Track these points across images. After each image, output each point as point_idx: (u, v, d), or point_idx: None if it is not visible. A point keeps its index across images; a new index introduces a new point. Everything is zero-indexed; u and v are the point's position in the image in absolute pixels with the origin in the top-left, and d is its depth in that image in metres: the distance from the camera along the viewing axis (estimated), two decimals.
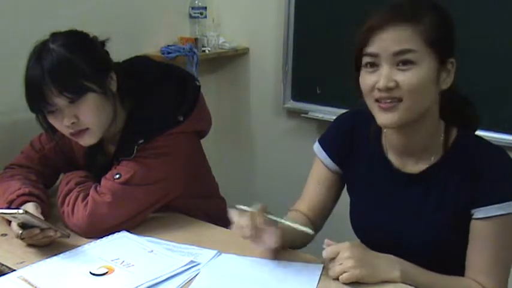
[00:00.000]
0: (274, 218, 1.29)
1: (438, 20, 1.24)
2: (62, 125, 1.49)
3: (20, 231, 1.38)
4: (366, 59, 1.25)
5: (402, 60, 1.21)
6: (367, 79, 1.26)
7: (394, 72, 1.22)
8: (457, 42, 1.28)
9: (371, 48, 1.23)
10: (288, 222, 1.30)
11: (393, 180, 1.38)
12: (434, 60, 1.23)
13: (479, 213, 1.28)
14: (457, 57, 1.27)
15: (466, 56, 1.31)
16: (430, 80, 1.23)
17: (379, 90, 1.23)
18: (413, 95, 1.22)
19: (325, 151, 1.49)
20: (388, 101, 1.23)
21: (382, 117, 1.26)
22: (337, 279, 1.26)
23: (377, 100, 1.25)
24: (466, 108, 1.36)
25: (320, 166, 1.51)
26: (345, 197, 1.52)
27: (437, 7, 1.26)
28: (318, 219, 1.51)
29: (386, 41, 1.21)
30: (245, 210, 1.29)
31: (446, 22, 1.26)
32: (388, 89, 1.22)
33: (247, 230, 1.26)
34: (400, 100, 1.22)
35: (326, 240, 1.29)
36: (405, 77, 1.21)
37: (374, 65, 1.24)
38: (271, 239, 1.31)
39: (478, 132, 1.40)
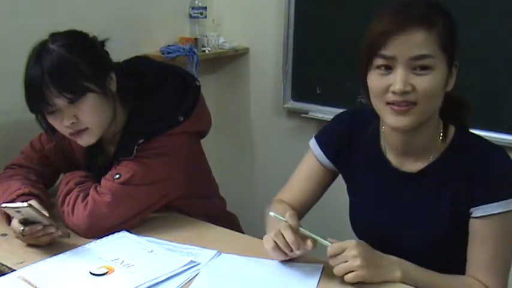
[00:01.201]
0: (306, 232, 1.28)
1: (449, 23, 1.24)
2: (62, 125, 1.49)
3: (22, 228, 1.38)
4: (379, 61, 1.23)
5: (420, 65, 1.20)
6: (379, 81, 1.24)
7: (410, 76, 1.21)
8: (460, 43, 1.28)
9: (387, 51, 1.21)
10: (321, 240, 1.29)
11: (392, 179, 1.38)
12: (445, 64, 1.23)
13: (477, 211, 1.29)
14: (459, 58, 1.27)
15: (466, 56, 1.30)
16: (443, 84, 1.24)
17: (394, 93, 1.21)
18: (428, 99, 1.22)
19: (321, 148, 1.49)
20: (403, 104, 1.22)
21: (394, 120, 1.25)
22: (335, 279, 1.26)
23: (389, 103, 1.24)
24: (460, 108, 1.37)
25: (313, 161, 1.51)
26: (345, 197, 1.52)
27: (443, 8, 1.25)
28: (303, 211, 1.52)
29: (404, 45, 1.20)
30: (282, 220, 1.28)
31: (453, 24, 1.26)
32: (403, 93, 1.21)
33: (295, 246, 1.25)
34: (414, 104, 1.22)
35: (329, 239, 1.29)
36: (422, 82, 1.20)
37: (388, 68, 1.23)
38: (296, 253, 1.30)
39: (478, 132, 1.40)
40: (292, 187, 1.53)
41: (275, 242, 1.28)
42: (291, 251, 1.27)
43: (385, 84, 1.23)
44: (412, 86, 1.21)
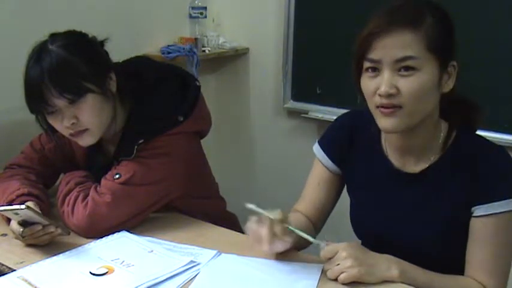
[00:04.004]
0: (292, 229, 1.29)
1: (438, 23, 1.23)
2: (62, 125, 1.48)
3: (21, 229, 1.38)
4: (367, 64, 1.24)
5: (404, 67, 1.20)
6: (368, 84, 1.25)
7: (396, 78, 1.21)
8: (458, 43, 1.27)
9: (372, 54, 1.22)
10: (305, 235, 1.29)
11: (393, 180, 1.38)
12: (435, 64, 1.22)
13: (479, 211, 1.29)
14: (458, 58, 1.27)
15: (466, 56, 1.30)
16: (431, 85, 1.23)
17: (381, 96, 1.22)
18: (414, 101, 1.22)
19: (324, 152, 1.50)
20: (390, 106, 1.22)
21: (384, 123, 1.26)
22: (335, 279, 1.26)
23: (378, 106, 1.25)
24: (467, 110, 1.36)
25: (320, 167, 1.51)
26: (345, 197, 1.52)
27: (436, 8, 1.25)
28: (319, 220, 1.52)
29: (388, 48, 1.20)
30: (261, 213, 1.29)
31: (446, 25, 1.25)
32: (389, 95, 1.21)
33: (265, 242, 1.26)
34: (399, 107, 1.22)
35: (325, 240, 1.30)
36: (406, 83, 1.21)
37: (375, 70, 1.23)
38: (282, 247, 1.31)
39: (478, 132, 1.39)
40: (304, 196, 1.53)
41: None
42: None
43: (373, 86, 1.24)
44: (397, 88, 1.21)
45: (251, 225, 1.30)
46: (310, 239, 1.30)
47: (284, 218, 1.28)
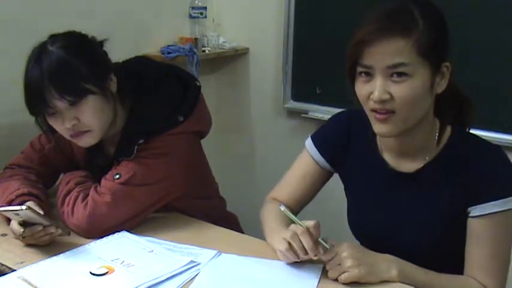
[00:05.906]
0: (322, 242, 1.28)
1: (431, 26, 1.21)
2: (63, 127, 1.48)
3: (22, 230, 1.38)
4: (360, 69, 1.25)
5: (396, 73, 1.20)
6: (362, 89, 1.26)
7: (388, 84, 1.22)
8: (457, 43, 1.27)
9: (364, 61, 1.22)
10: (328, 246, 1.29)
11: (389, 179, 1.39)
12: (427, 68, 1.22)
13: (475, 211, 1.29)
14: (454, 58, 1.26)
15: (466, 56, 1.30)
16: (424, 89, 1.23)
17: (374, 101, 1.23)
18: (407, 107, 1.22)
19: (316, 147, 1.50)
20: (383, 111, 1.23)
21: (378, 128, 1.27)
22: (336, 279, 1.26)
23: (372, 110, 1.25)
24: (461, 107, 1.36)
25: (309, 161, 1.51)
26: (343, 197, 1.52)
27: (428, 8, 1.24)
28: (297, 210, 1.52)
29: (380, 54, 1.20)
30: (295, 220, 1.29)
31: (438, 27, 1.24)
32: (382, 101, 1.22)
33: (312, 253, 1.26)
34: (393, 112, 1.23)
35: (323, 238, 1.30)
36: (399, 89, 1.21)
37: (369, 74, 1.24)
38: (306, 257, 1.30)
39: (478, 132, 1.40)
40: (287, 186, 1.54)
41: (289, 244, 1.28)
42: (305, 254, 1.27)
43: (367, 91, 1.24)
44: (390, 94, 1.21)
45: (294, 236, 1.27)
46: (327, 245, 1.30)
47: (318, 228, 1.28)
